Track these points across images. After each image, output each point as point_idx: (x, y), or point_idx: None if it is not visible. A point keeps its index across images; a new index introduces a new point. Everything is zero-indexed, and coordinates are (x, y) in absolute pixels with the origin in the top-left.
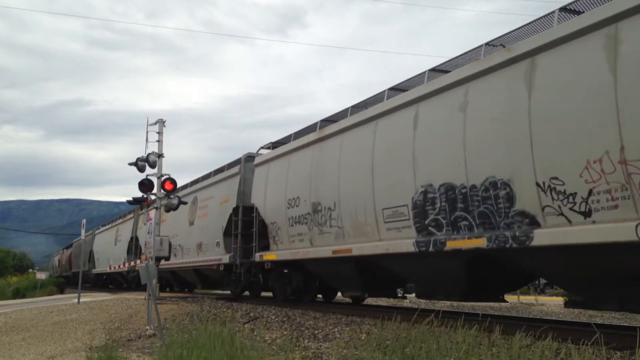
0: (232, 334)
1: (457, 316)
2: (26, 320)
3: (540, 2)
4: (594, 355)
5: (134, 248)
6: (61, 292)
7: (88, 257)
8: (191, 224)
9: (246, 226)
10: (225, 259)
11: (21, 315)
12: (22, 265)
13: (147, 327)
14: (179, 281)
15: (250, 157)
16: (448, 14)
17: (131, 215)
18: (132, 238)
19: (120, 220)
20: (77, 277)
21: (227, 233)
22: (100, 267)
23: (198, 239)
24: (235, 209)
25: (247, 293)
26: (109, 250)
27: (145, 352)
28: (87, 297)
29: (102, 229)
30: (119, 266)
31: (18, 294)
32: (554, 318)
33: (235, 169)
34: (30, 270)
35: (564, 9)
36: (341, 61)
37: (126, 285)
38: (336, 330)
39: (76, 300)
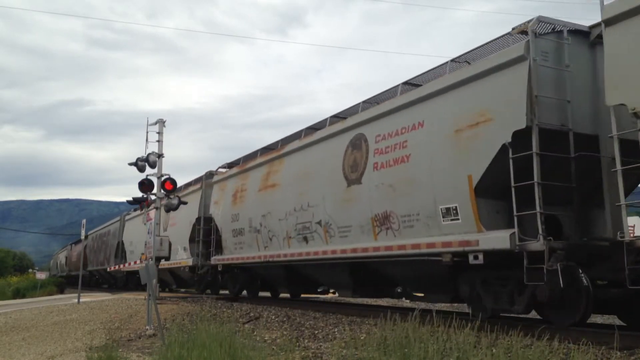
0: (232, 333)
1: (457, 316)
2: (26, 320)
3: (539, 2)
4: (594, 355)
5: (202, 234)
6: (61, 292)
7: (115, 251)
8: (353, 182)
9: (551, 171)
10: (493, 240)
11: (21, 315)
12: (22, 265)
13: (147, 327)
14: (299, 282)
15: (556, 30)
16: (448, 13)
17: (196, 187)
18: (198, 219)
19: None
20: (93, 276)
21: (483, 189)
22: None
23: (375, 208)
24: (521, 136)
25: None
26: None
27: (145, 352)
28: (87, 297)
29: (135, 213)
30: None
31: (18, 294)
32: None
33: (510, 54)
34: (30, 270)
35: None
36: (341, 61)
37: (184, 289)
38: (336, 330)
39: (76, 300)
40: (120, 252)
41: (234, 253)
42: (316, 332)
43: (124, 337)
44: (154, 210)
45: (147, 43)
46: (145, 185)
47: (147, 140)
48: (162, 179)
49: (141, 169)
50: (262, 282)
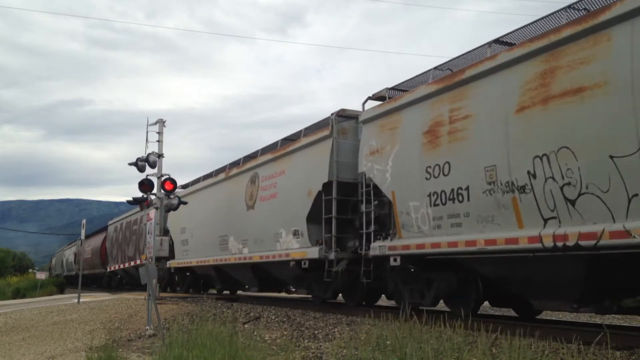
0: (232, 333)
1: (457, 316)
2: (26, 320)
3: (539, 2)
4: (593, 355)
5: (336, 208)
6: (61, 292)
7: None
8: None
9: None
10: None
11: (21, 315)
12: (22, 265)
13: (147, 327)
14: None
15: None
16: (449, 13)
17: (320, 135)
18: (327, 185)
19: (270, 156)
20: (115, 275)
21: None
22: (193, 258)
23: None
24: None
25: None
26: (228, 223)
27: (145, 352)
28: (87, 297)
29: (192, 187)
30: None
31: (18, 294)
32: (553, 318)
33: None
34: (30, 270)
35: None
36: (341, 61)
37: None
38: (336, 330)
39: (76, 300)
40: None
41: (430, 235)
42: (316, 332)
43: (124, 337)
44: (154, 210)
45: (147, 43)
46: (145, 185)
47: (147, 140)
48: (162, 179)
49: (141, 169)
50: (489, 287)
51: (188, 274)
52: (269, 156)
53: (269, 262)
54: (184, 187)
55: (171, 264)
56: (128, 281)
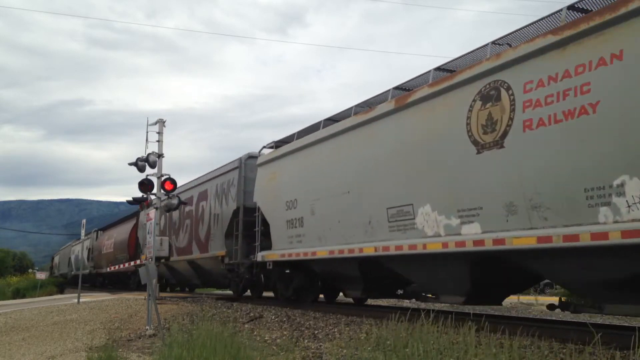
0: (233, 334)
1: (458, 316)
2: (26, 320)
3: (539, 2)
4: (593, 355)
5: None
6: (61, 292)
7: (227, 227)
8: None
9: None
10: None
11: (21, 315)
12: (22, 265)
13: (147, 327)
14: None
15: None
16: (449, 13)
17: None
18: None
19: (552, 38)
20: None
21: None
22: (315, 247)
23: None
24: None
25: None
26: (416, 182)
27: (145, 352)
28: (87, 297)
29: (307, 139)
30: None
31: (18, 294)
32: (553, 318)
33: None
34: (30, 270)
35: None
36: (341, 61)
37: None
38: (336, 330)
39: (76, 300)
40: (243, 228)
41: None
42: (316, 332)
43: (124, 337)
44: (154, 210)
45: (147, 43)
46: (145, 185)
47: (147, 140)
48: (162, 179)
49: (141, 169)
50: None
51: (288, 271)
52: (547, 39)
53: (568, 248)
54: (279, 143)
55: (267, 256)
56: (172, 281)
